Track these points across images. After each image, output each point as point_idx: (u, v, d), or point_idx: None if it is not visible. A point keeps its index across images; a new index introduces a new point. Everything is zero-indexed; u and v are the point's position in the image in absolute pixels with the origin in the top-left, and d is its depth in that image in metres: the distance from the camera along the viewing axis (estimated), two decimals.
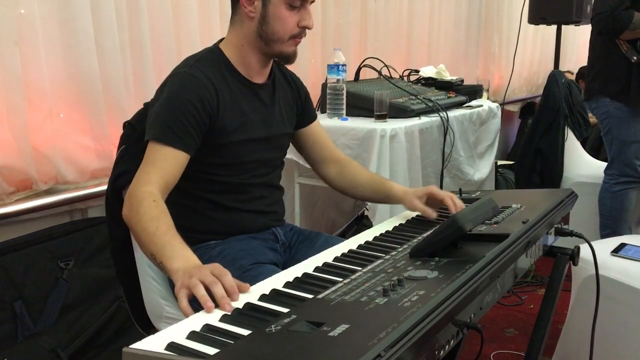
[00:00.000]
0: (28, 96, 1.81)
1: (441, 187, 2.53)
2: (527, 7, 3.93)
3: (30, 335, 1.82)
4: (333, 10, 3.00)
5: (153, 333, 0.85)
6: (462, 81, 3.13)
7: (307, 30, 1.48)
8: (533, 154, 3.33)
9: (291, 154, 1.77)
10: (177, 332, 0.85)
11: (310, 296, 0.96)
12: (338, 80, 2.37)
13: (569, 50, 5.40)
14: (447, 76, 3.08)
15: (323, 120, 2.36)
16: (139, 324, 1.61)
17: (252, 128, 1.50)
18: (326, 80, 2.44)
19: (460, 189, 1.73)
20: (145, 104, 1.54)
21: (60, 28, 1.89)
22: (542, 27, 4.30)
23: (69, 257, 1.95)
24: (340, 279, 1.03)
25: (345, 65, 2.37)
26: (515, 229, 1.21)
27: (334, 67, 2.36)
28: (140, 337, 0.83)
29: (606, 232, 2.91)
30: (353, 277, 1.03)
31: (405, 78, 3.08)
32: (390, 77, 2.84)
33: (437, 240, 1.12)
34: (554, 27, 4.08)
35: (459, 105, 2.83)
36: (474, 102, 2.94)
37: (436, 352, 0.87)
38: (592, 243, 1.51)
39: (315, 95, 2.69)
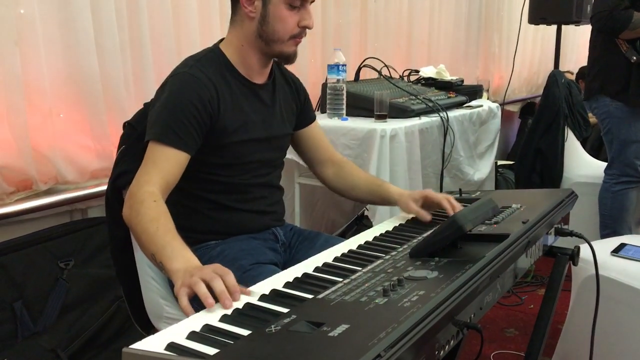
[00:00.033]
0: (28, 96, 1.81)
1: (441, 187, 2.54)
2: (527, 7, 3.93)
3: (30, 335, 1.82)
4: (333, 10, 3.00)
5: (153, 333, 0.85)
6: (462, 81, 3.13)
7: (307, 30, 1.48)
8: (533, 154, 3.33)
9: (291, 154, 1.77)
10: (177, 332, 0.85)
11: (310, 296, 0.96)
12: (338, 80, 2.37)
13: (569, 50, 5.40)
14: (447, 76, 3.09)
15: (323, 120, 2.36)
16: (139, 324, 1.61)
17: (252, 128, 1.50)
18: (326, 80, 2.44)
19: (460, 189, 1.73)
20: (145, 104, 1.54)
21: (60, 28, 1.89)
22: (542, 27, 4.30)
23: (69, 257, 1.95)
24: (340, 279, 1.03)
25: (345, 65, 2.37)
26: (515, 229, 1.21)
27: (334, 67, 2.36)
28: (140, 337, 0.83)
29: (606, 232, 2.91)
30: (353, 277, 1.03)
31: (405, 78, 3.08)
32: (390, 77, 2.84)
33: (437, 241, 1.12)
34: (554, 27, 4.08)
35: (459, 105, 2.83)
36: (474, 102, 2.94)
37: (436, 352, 0.87)
38: (592, 243, 1.51)
39: (315, 95, 2.69)
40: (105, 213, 1.58)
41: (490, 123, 2.94)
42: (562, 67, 4.18)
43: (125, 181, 1.47)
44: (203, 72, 1.43)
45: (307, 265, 1.15)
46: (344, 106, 2.42)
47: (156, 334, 0.85)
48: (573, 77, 4.53)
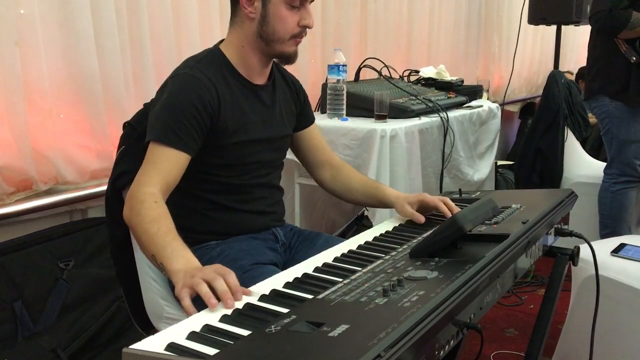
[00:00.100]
0: (28, 96, 1.81)
1: (441, 188, 2.54)
2: (527, 7, 3.93)
3: (30, 335, 1.82)
4: (333, 10, 3.00)
5: (153, 333, 0.85)
6: (462, 81, 3.13)
7: (307, 29, 1.48)
8: (533, 154, 3.33)
9: (291, 155, 1.77)
10: (177, 332, 0.85)
11: (310, 296, 0.96)
12: (338, 81, 2.37)
13: (569, 50, 5.40)
14: (447, 76, 3.09)
15: (323, 121, 2.36)
16: (139, 324, 1.61)
17: (252, 129, 1.50)
18: (326, 81, 2.44)
19: (460, 189, 1.73)
20: (145, 105, 1.54)
21: (60, 28, 1.89)
22: (542, 27, 4.30)
23: (68, 257, 1.95)
24: (340, 280, 1.03)
25: (345, 65, 2.37)
26: (515, 229, 1.21)
27: (334, 68, 2.36)
28: (140, 338, 0.83)
29: (606, 231, 2.91)
30: (353, 277, 1.03)
31: (405, 78, 3.08)
32: (390, 77, 2.84)
33: (437, 241, 1.12)
34: (554, 27, 4.09)
35: (459, 105, 2.83)
36: (474, 103, 2.94)
37: (436, 352, 0.87)
38: (592, 243, 1.51)
39: (315, 95, 2.69)
40: (105, 213, 1.58)
41: (490, 123, 2.94)
42: (561, 67, 4.18)
43: (125, 181, 1.47)
44: (203, 73, 1.43)
45: (307, 266, 1.16)
46: (344, 106, 2.42)
47: (156, 334, 0.85)
48: (573, 77, 4.53)
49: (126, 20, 2.05)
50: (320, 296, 0.94)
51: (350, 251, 1.25)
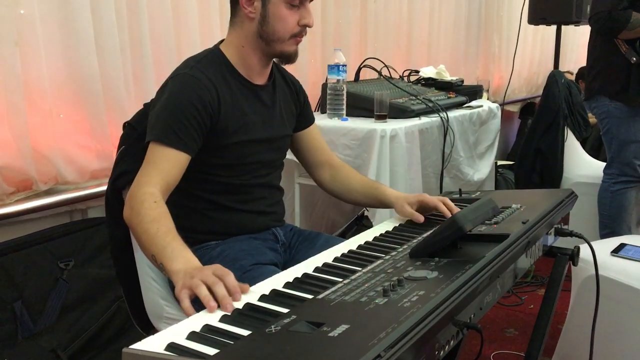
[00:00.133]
0: (28, 96, 1.81)
1: (441, 188, 2.54)
2: (527, 7, 3.93)
3: (30, 335, 1.82)
4: (333, 10, 3.00)
5: (153, 333, 0.85)
6: (462, 81, 3.13)
7: (307, 28, 1.48)
8: (533, 154, 3.33)
9: (291, 155, 1.78)
10: (177, 332, 0.85)
11: (310, 296, 0.96)
12: (338, 81, 2.37)
13: (569, 50, 5.40)
14: (447, 76, 3.09)
15: (323, 121, 2.37)
16: (139, 324, 1.61)
17: (252, 129, 1.50)
18: (326, 81, 2.44)
19: (460, 190, 1.73)
20: (146, 105, 1.54)
21: (60, 28, 1.89)
22: (542, 27, 4.30)
23: (68, 257, 1.95)
24: (340, 280, 1.03)
25: (345, 65, 2.37)
26: (515, 229, 1.21)
27: (334, 68, 2.36)
28: (140, 338, 0.83)
29: (605, 231, 2.91)
30: (353, 277, 1.03)
31: (405, 78, 3.08)
32: (390, 77, 2.85)
33: (437, 241, 1.12)
34: (553, 28, 4.08)
35: (459, 105, 2.83)
36: (473, 103, 2.94)
37: (436, 353, 0.87)
38: (592, 243, 1.51)
39: (315, 95, 2.69)
40: (105, 213, 1.58)
41: (490, 123, 2.94)
42: (561, 67, 4.18)
43: (125, 181, 1.47)
44: (203, 73, 1.43)
45: (307, 266, 1.16)
46: (344, 106, 2.42)
47: (156, 334, 0.85)
48: (573, 78, 4.53)
49: (126, 20, 2.05)
50: (320, 296, 0.94)
51: (350, 251, 1.25)
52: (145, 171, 1.32)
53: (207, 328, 0.87)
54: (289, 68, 1.67)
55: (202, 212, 1.51)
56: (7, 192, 1.82)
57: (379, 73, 2.78)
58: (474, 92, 3.06)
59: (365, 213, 2.44)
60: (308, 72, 2.84)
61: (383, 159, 2.20)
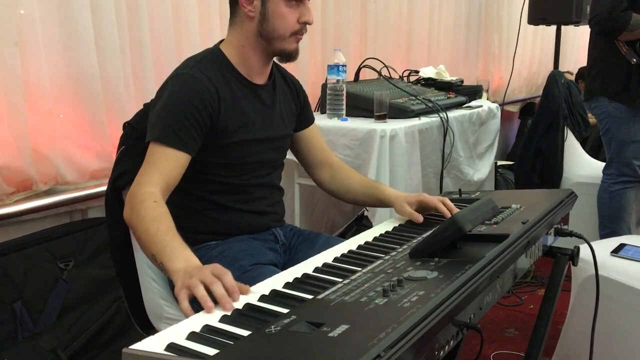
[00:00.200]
0: (28, 96, 1.81)
1: (441, 188, 2.54)
2: (527, 7, 3.93)
3: (30, 335, 1.82)
4: (333, 10, 3.00)
5: (153, 334, 0.85)
6: (462, 81, 3.13)
7: (307, 26, 1.48)
8: (533, 154, 3.33)
9: (291, 155, 1.78)
10: (177, 332, 0.85)
11: (310, 297, 0.96)
12: (338, 81, 2.37)
13: (569, 50, 5.40)
14: (447, 77, 3.09)
15: (323, 121, 2.37)
16: (139, 324, 1.61)
17: (253, 129, 1.50)
18: (326, 81, 2.44)
19: (460, 190, 1.73)
20: (145, 105, 1.54)
21: (60, 28, 1.89)
22: (542, 27, 4.30)
23: (68, 257, 1.95)
24: (340, 280, 1.03)
25: (345, 65, 2.37)
26: (515, 230, 1.21)
27: (334, 68, 2.36)
28: (140, 338, 0.83)
29: (605, 232, 2.91)
30: (353, 277, 1.03)
31: (405, 78, 3.08)
32: (390, 77, 2.85)
33: (436, 241, 1.12)
34: (553, 28, 4.08)
35: (459, 105, 2.84)
36: (473, 103, 2.94)
37: (436, 353, 0.87)
38: (592, 243, 1.51)
39: (315, 95, 2.69)
40: (105, 213, 1.58)
41: (489, 123, 2.94)
42: (561, 68, 4.18)
43: (125, 181, 1.47)
44: (203, 73, 1.43)
45: (307, 266, 1.16)
46: (344, 106, 2.42)
47: (156, 335, 0.85)
48: (573, 78, 4.53)
49: (126, 20, 2.05)
50: (320, 296, 0.94)
51: (350, 251, 1.25)
52: (146, 171, 1.32)
53: (207, 328, 0.87)
54: (288, 68, 1.67)
55: (202, 212, 1.51)
56: (7, 192, 1.82)
57: (379, 73, 2.78)
58: (474, 92, 3.06)
59: (365, 213, 2.44)
60: (308, 72, 2.84)
61: (383, 159, 2.20)
